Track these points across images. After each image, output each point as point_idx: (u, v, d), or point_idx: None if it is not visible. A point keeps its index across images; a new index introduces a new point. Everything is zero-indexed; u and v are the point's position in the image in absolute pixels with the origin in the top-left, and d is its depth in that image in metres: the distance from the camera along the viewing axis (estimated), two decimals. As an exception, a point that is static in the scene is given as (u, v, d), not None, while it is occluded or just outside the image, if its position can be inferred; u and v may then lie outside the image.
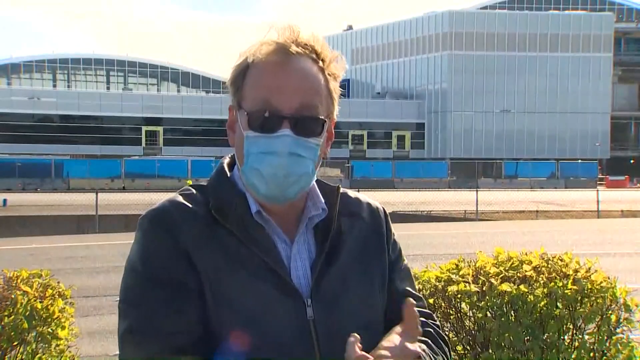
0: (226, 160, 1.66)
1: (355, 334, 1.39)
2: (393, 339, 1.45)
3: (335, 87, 1.59)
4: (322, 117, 1.54)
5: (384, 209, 1.73)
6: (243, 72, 1.55)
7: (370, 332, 1.52)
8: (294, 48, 1.52)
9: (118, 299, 1.54)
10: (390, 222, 1.73)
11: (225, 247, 1.50)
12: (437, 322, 1.73)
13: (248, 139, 1.52)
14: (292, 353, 1.46)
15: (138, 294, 1.48)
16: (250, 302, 1.47)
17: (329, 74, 1.57)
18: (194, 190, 1.59)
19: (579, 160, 65.17)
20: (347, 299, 1.55)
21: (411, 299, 1.51)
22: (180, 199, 1.56)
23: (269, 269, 1.49)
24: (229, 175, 1.61)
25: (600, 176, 60.74)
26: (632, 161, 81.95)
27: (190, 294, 1.46)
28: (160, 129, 73.68)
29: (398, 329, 1.48)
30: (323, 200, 1.61)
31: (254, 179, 1.52)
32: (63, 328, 3.91)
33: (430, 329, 1.66)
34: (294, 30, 1.55)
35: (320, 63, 1.56)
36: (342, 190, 1.67)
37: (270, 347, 1.45)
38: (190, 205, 1.54)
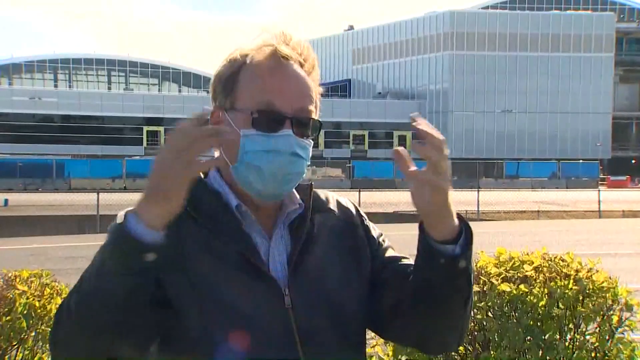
0: None
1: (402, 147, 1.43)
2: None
3: (318, 92, 1.65)
4: (317, 119, 1.61)
5: (353, 203, 1.77)
6: (235, 74, 1.60)
7: (346, 320, 1.58)
8: (286, 52, 1.58)
9: None
10: (362, 212, 1.77)
11: (202, 242, 1.52)
12: None
13: (247, 137, 1.55)
14: (272, 340, 1.49)
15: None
16: (229, 293, 1.49)
17: (313, 80, 1.63)
18: None
19: (580, 161, 65.16)
20: (323, 288, 1.58)
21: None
22: None
23: (247, 261, 1.52)
24: (202, 176, 1.62)
25: (601, 176, 60.73)
26: (633, 161, 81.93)
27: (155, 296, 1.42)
28: (161, 129, 73.70)
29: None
30: (299, 196, 1.65)
31: (250, 176, 1.55)
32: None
33: None
34: (286, 36, 1.60)
35: (306, 68, 1.62)
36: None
37: (250, 335, 1.48)
38: None
